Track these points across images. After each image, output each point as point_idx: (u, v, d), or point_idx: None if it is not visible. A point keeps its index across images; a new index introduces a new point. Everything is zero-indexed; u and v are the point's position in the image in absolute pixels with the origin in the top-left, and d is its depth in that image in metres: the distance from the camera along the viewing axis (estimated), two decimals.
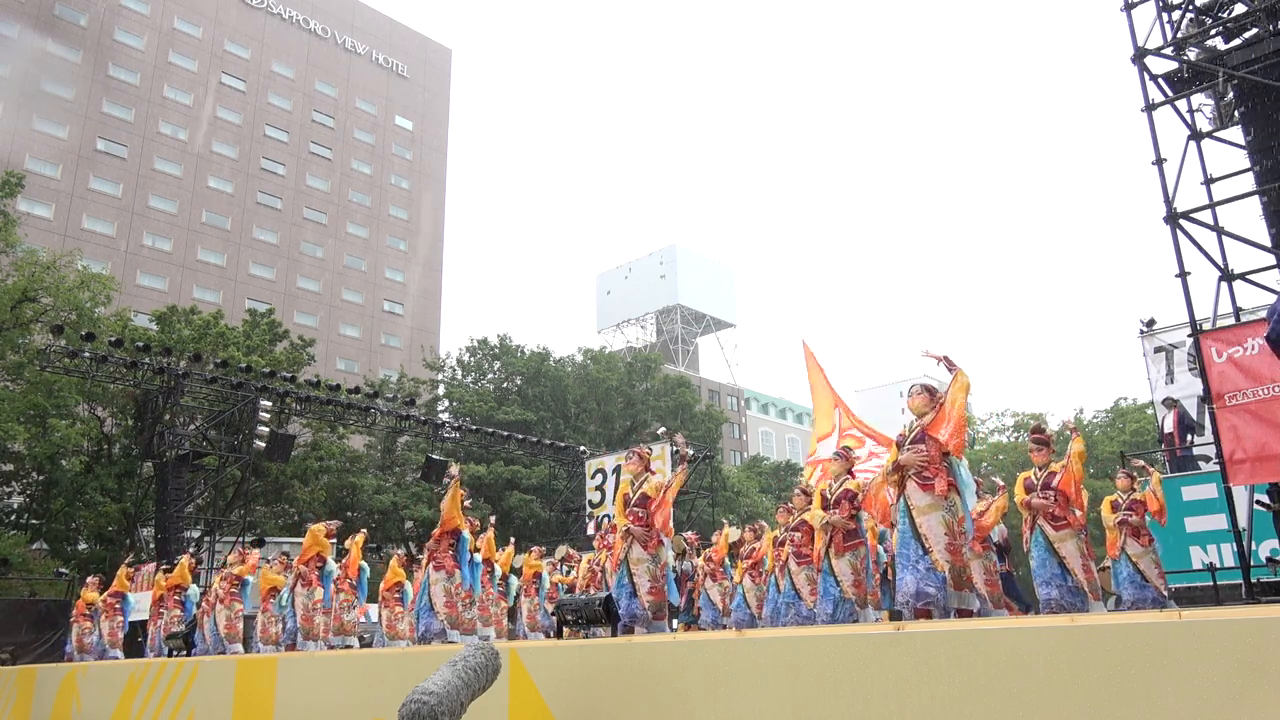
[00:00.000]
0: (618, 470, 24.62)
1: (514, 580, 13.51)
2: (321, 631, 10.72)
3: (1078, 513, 7.41)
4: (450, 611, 8.90)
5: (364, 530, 12.19)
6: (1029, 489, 7.58)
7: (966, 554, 6.01)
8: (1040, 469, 7.65)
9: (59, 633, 16.99)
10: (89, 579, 14.39)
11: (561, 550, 15.14)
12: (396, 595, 11.88)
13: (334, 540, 11.72)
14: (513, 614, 14.00)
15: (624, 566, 7.09)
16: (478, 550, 10.55)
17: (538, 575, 13.40)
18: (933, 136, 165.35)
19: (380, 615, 12.35)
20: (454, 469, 9.47)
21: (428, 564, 9.26)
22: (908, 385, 7.07)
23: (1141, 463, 8.83)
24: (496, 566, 12.20)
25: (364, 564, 11.20)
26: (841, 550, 7.55)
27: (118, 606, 13.29)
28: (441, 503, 9.43)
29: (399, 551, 15.44)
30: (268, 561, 12.58)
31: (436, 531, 9.26)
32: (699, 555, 12.09)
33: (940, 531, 5.91)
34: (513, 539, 13.91)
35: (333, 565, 10.95)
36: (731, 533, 11.96)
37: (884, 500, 7.85)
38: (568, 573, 14.15)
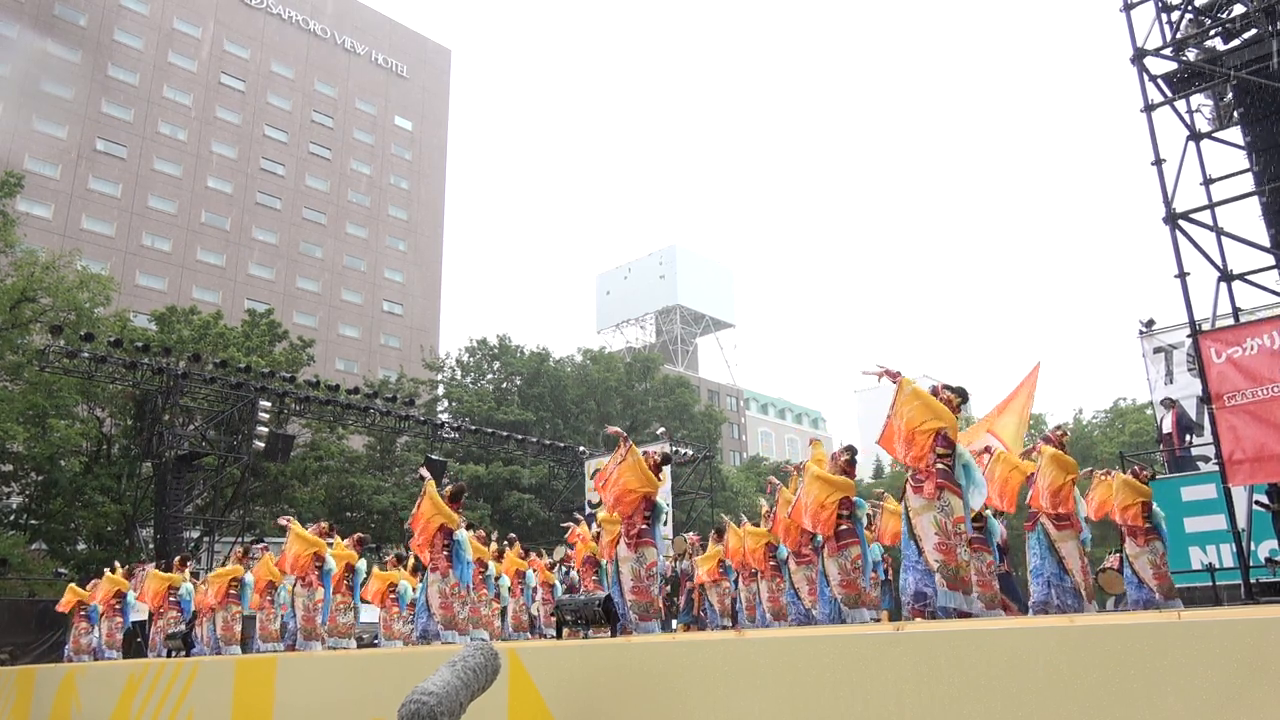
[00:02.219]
0: None
1: (505, 580, 13.47)
2: (320, 632, 10.69)
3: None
4: (445, 613, 8.90)
5: (357, 534, 12.13)
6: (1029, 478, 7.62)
7: (962, 553, 5.99)
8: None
9: (58, 633, 16.98)
10: (86, 583, 14.33)
11: (560, 552, 15.10)
12: (393, 596, 11.85)
13: (332, 541, 11.65)
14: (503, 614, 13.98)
15: (615, 563, 7.20)
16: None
17: (521, 574, 13.33)
18: (933, 137, 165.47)
19: (380, 616, 12.32)
20: (421, 470, 9.43)
21: (428, 566, 9.25)
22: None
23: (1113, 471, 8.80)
24: (490, 566, 12.14)
25: (360, 565, 11.15)
26: (834, 551, 7.59)
27: (117, 607, 13.25)
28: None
29: (389, 555, 15.41)
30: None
31: (417, 538, 9.12)
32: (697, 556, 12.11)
33: (931, 531, 5.98)
34: (498, 542, 13.76)
35: (332, 563, 10.90)
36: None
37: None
38: (566, 574, 14.13)
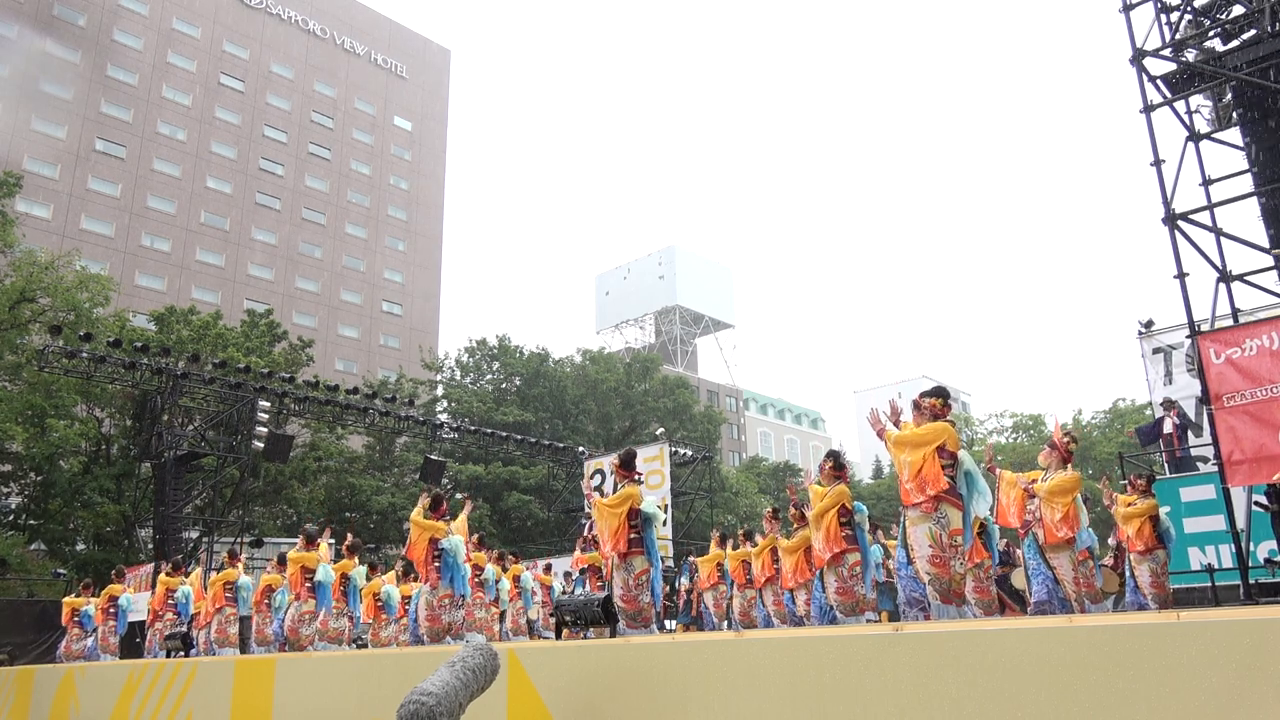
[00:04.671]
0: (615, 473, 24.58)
1: (505, 584, 13.47)
2: (308, 641, 10.62)
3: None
4: (431, 624, 8.91)
5: (349, 541, 12.07)
6: (1028, 491, 7.59)
7: (957, 566, 5.94)
8: (1045, 471, 7.64)
9: (57, 633, 16.96)
10: (77, 589, 14.16)
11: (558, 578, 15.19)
12: (379, 604, 11.76)
13: (332, 542, 11.61)
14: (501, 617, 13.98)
15: (611, 572, 7.22)
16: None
17: (517, 578, 13.35)
18: (933, 137, 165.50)
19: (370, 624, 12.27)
20: (424, 498, 9.25)
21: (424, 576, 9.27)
22: (908, 387, 7.00)
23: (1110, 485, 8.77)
24: (488, 569, 12.12)
25: (355, 571, 11.08)
26: (835, 561, 7.57)
27: (111, 611, 13.16)
28: None
29: (366, 564, 15.37)
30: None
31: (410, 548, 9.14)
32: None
33: (925, 543, 5.92)
34: (497, 553, 13.75)
35: (327, 573, 10.81)
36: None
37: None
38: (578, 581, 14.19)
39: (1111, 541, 9.28)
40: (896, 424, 6.29)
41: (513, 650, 5.18)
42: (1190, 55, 9.96)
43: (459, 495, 32.50)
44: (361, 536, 24.90)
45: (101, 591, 13.42)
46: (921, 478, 5.93)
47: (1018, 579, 9.40)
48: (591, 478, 27.45)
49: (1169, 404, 12.32)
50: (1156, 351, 13.22)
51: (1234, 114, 9.84)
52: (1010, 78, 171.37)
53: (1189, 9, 9.98)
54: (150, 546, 23.24)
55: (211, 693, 8.08)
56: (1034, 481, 7.65)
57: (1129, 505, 8.26)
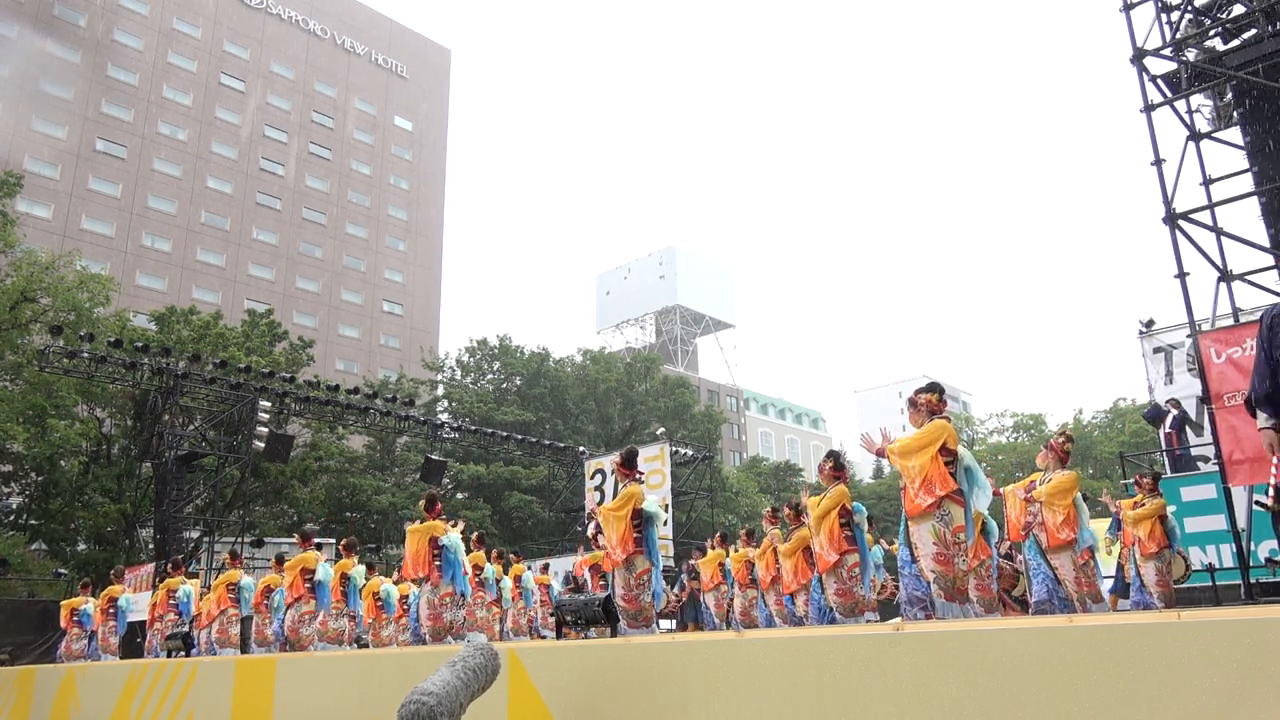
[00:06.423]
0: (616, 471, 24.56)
1: (508, 583, 13.47)
2: (308, 641, 10.61)
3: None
4: (433, 623, 8.91)
5: (345, 540, 12.06)
6: (1028, 499, 7.58)
7: (960, 563, 5.93)
8: (1044, 472, 7.63)
9: (58, 633, 16.94)
10: (79, 590, 14.12)
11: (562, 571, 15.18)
12: (378, 603, 11.77)
13: (330, 542, 11.58)
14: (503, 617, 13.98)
15: (613, 572, 7.23)
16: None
17: (518, 578, 13.37)
18: (933, 136, 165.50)
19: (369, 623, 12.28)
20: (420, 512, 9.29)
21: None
22: (908, 387, 7.01)
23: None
24: (488, 569, 12.10)
25: (354, 571, 11.07)
26: (834, 563, 7.56)
27: (111, 611, 13.15)
28: None
29: (365, 564, 15.39)
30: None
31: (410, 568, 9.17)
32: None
33: (929, 540, 5.91)
34: (497, 552, 13.75)
35: (326, 572, 10.79)
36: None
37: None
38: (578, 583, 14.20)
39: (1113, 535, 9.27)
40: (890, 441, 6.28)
41: (513, 650, 5.18)
42: (1191, 55, 9.96)
43: (459, 495, 32.53)
44: (362, 536, 24.93)
45: (100, 592, 13.41)
46: (928, 480, 5.91)
47: (1019, 589, 9.39)
48: (592, 477, 27.50)
49: (1170, 403, 12.32)
50: (1157, 351, 13.21)
51: (1234, 113, 9.83)
52: (1011, 77, 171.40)
53: (1189, 8, 9.98)
54: (151, 546, 23.23)
55: (212, 693, 8.08)
56: (1032, 486, 7.65)
57: (1136, 507, 8.26)
